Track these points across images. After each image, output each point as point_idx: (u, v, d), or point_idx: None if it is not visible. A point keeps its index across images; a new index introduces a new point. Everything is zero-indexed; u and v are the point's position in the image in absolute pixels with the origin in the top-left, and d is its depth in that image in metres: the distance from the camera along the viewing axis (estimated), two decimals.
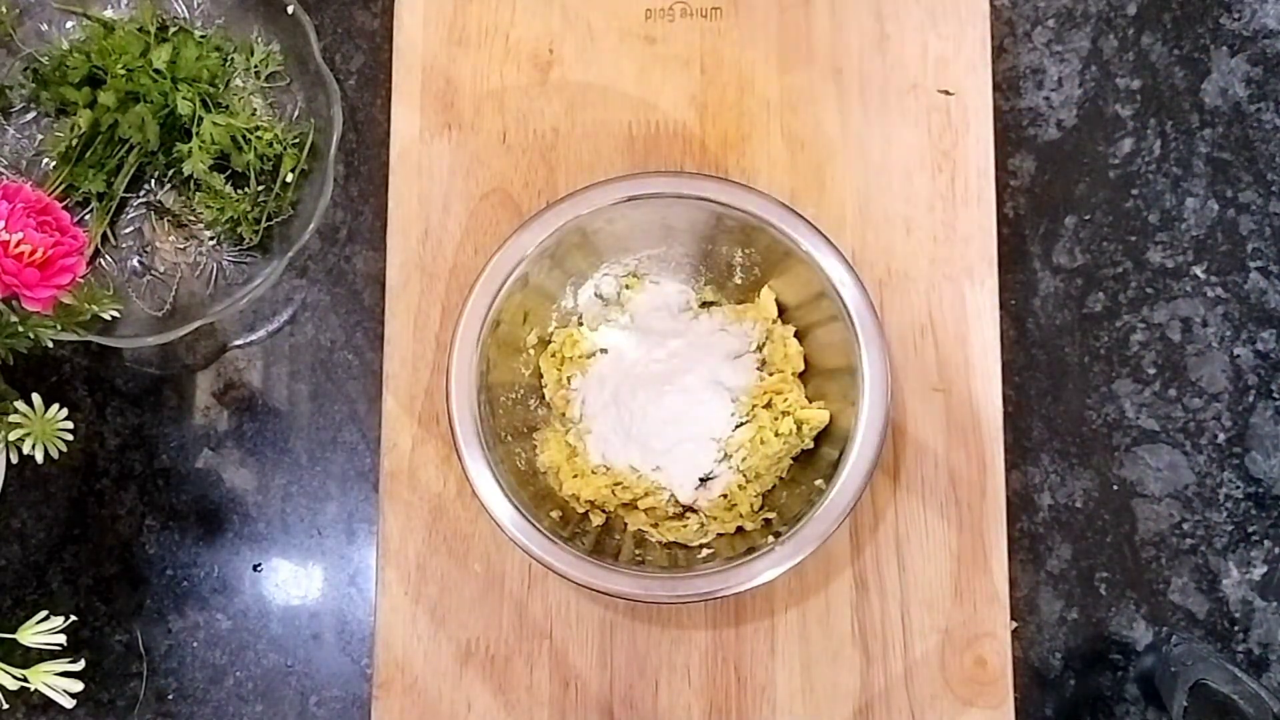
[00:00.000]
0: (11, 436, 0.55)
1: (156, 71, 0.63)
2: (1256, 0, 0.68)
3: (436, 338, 0.63)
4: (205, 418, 0.67)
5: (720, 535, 0.60)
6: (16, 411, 0.55)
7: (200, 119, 0.63)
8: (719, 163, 0.65)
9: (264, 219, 0.64)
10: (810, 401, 0.61)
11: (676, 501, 0.61)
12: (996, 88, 0.66)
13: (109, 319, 0.59)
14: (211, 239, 0.66)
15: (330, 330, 0.67)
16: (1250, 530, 0.64)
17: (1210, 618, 0.64)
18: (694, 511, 0.62)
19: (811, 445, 0.61)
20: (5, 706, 0.52)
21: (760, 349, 0.62)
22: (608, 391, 0.61)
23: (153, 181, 0.67)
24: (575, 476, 0.61)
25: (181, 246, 0.67)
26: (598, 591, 0.56)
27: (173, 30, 0.65)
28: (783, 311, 0.62)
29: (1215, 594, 0.64)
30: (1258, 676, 0.63)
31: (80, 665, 0.53)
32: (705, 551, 0.59)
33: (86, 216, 0.66)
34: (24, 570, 0.66)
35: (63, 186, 0.64)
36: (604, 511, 0.61)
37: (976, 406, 0.63)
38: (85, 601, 0.65)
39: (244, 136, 0.63)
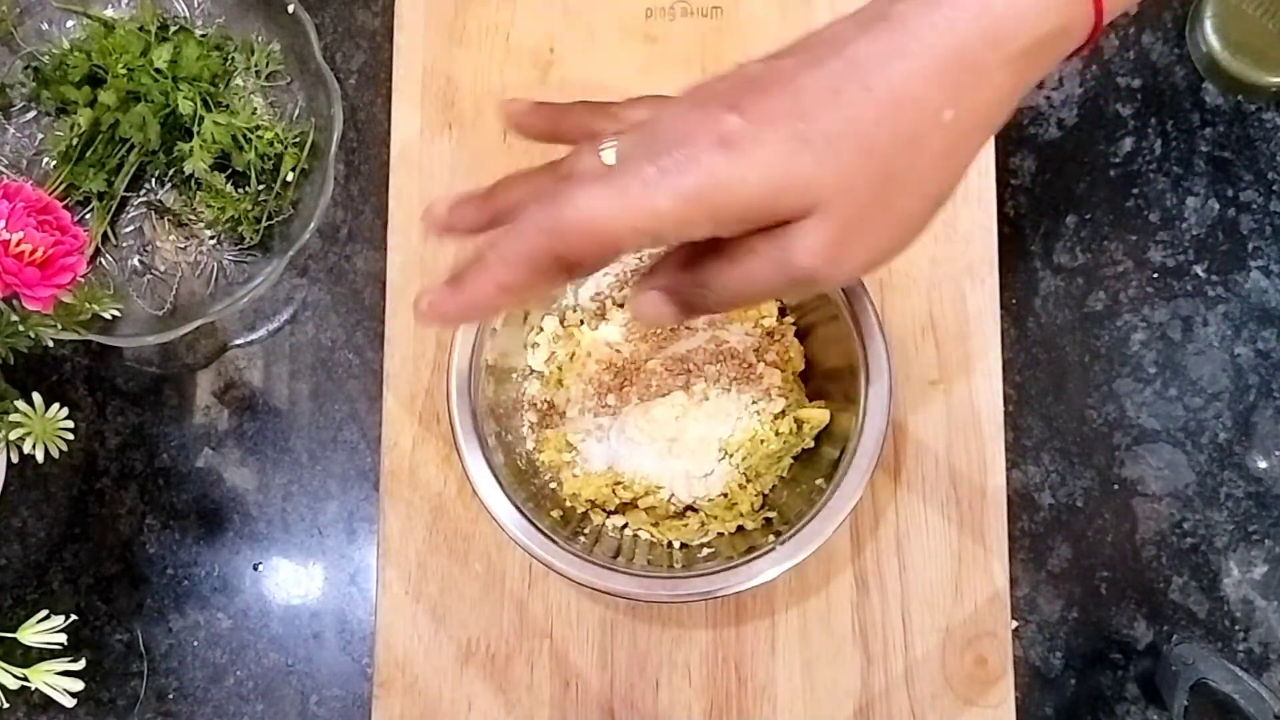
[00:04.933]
0: (12, 436, 0.55)
1: (157, 71, 0.63)
2: None
3: (437, 337, 0.63)
4: (206, 417, 0.67)
5: (721, 534, 0.60)
6: (17, 411, 0.55)
7: (201, 118, 0.63)
8: None
9: (264, 218, 0.64)
10: (811, 401, 0.61)
11: (677, 501, 0.61)
12: None
13: (109, 318, 0.59)
14: (212, 238, 0.66)
15: (331, 329, 0.67)
16: (1251, 529, 0.64)
17: (1211, 617, 0.64)
18: (694, 511, 0.62)
19: (812, 444, 0.61)
20: (5, 706, 0.52)
21: (760, 348, 0.62)
22: (607, 390, 0.61)
23: (153, 181, 0.67)
24: (575, 476, 0.61)
25: (182, 246, 0.67)
26: (598, 591, 0.56)
27: (173, 29, 0.65)
28: (783, 311, 0.62)
29: (1216, 593, 0.64)
30: (1259, 676, 0.63)
31: (81, 664, 0.53)
32: (706, 551, 0.59)
33: (87, 216, 0.66)
34: (24, 569, 0.66)
35: (63, 186, 0.64)
36: (604, 511, 0.61)
37: (977, 405, 0.63)
38: (85, 601, 0.65)
39: (245, 136, 0.63)
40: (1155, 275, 0.66)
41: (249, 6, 0.66)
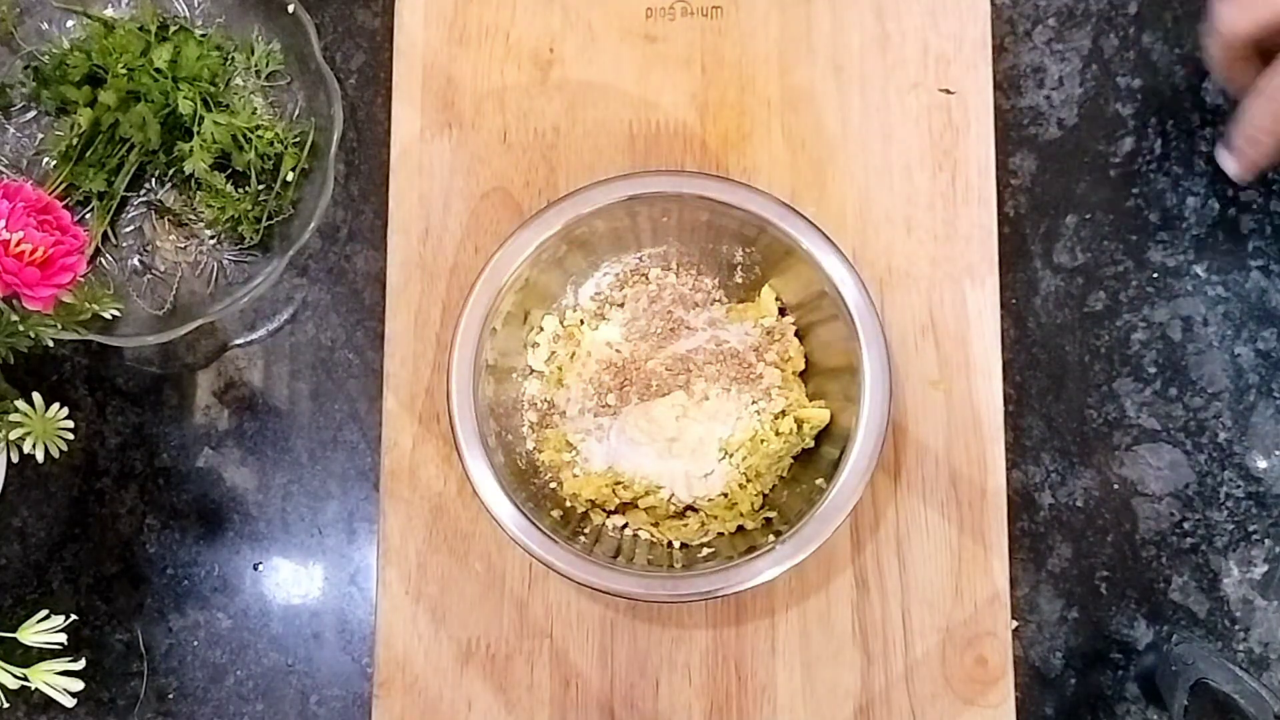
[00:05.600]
0: (12, 435, 0.55)
1: (157, 70, 0.63)
2: None
3: (437, 336, 0.63)
4: (206, 417, 0.67)
5: (721, 534, 0.60)
6: (17, 410, 0.55)
7: (201, 118, 0.63)
8: (720, 162, 0.65)
9: (264, 218, 0.64)
10: (811, 400, 0.61)
11: (677, 501, 0.61)
12: (997, 86, 0.66)
13: (109, 318, 0.59)
14: (212, 238, 0.66)
15: (331, 329, 0.67)
16: (1251, 529, 0.64)
17: (1211, 617, 0.64)
18: (695, 511, 0.62)
19: (812, 444, 0.61)
20: (6, 705, 0.52)
21: (760, 348, 0.62)
22: (607, 390, 0.61)
23: (153, 180, 0.67)
24: (575, 476, 0.61)
25: (182, 245, 0.67)
26: (598, 590, 0.56)
27: (173, 29, 0.65)
28: (783, 310, 0.62)
29: (1216, 593, 0.64)
30: (1258, 675, 0.63)
31: (81, 664, 0.53)
32: (706, 551, 0.59)
33: (87, 215, 0.66)
34: (24, 569, 0.66)
35: (63, 185, 0.64)
36: (605, 511, 0.61)
37: (977, 405, 0.63)
38: (86, 600, 0.65)
39: (245, 135, 0.63)
40: (1155, 275, 0.66)
41: (249, 6, 0.66)
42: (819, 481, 0.58)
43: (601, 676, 0.62)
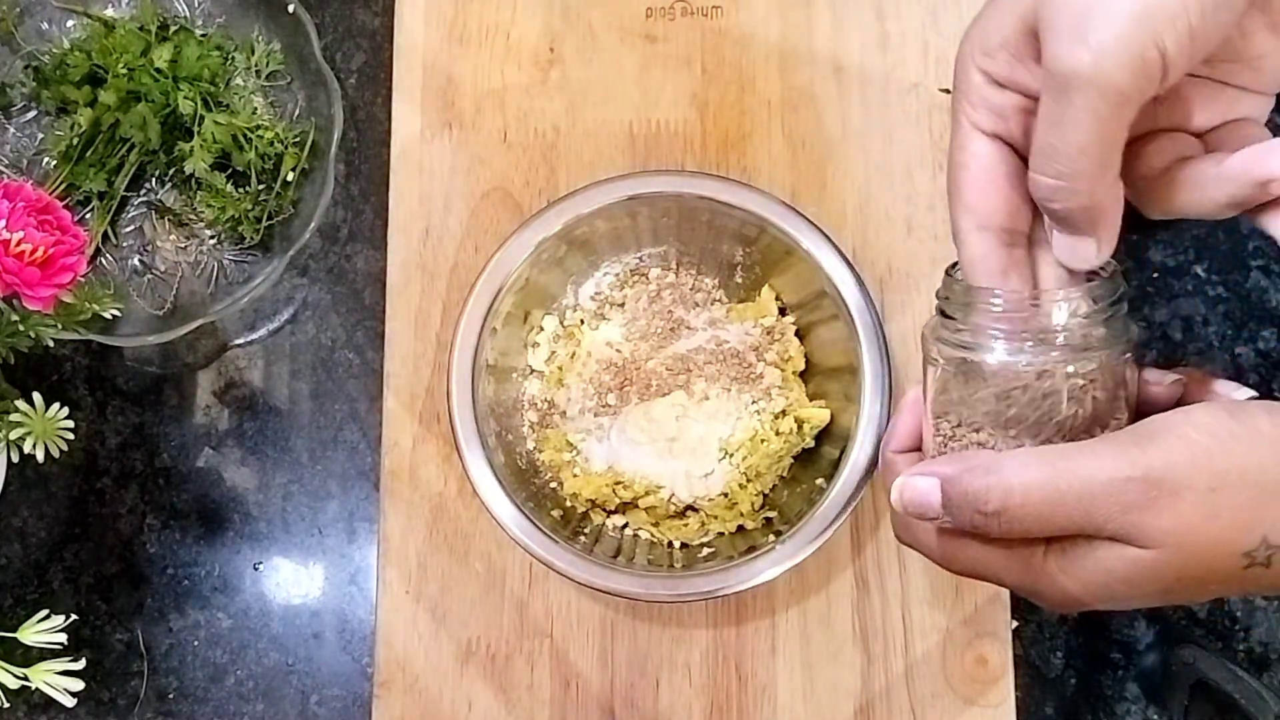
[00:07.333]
0: (12, 435, 0.55)
1: (158, 70, 0.63)
2: None
3: (437, 336, 0.63)
4: (206, 416, 0.67)
5: (721, 534, 0.60)
6: (17, 410, 0.55)
7: (201, 118, 0.63)
8: (720, 161, 0.65)
9: (265, 218, 0.64)
10: (811, 400, 0.61)
11: (677, 500, 0.61)
12: None
13: (110, 318, 0.59)
14: (212, 238, 0.66)
15: (331, 329, 0.67)
16: None
17: (1211, 617, 0.64)
18: (695, 511, 0.62)
19: (812, 444, 0.61)
20: (6, 705, 0.52)
21: (760, 348, 0.62)
22: (607, 390, 0.61)
23: (154, 180, 0.67)
24: (575, 476, 0.61)
25: (182, 245, 0.67)
26: (598, 590, 0.56)
27: (174, 29, 0.65)
28: (783, 310, 0.62)
29: None
30: (1259, 675, 0.63)
31: (81, 664, 0.53)
32: (706, 551, 0.59)
33: (87, 215, 0.66)
34: (25, 569, 0.66)
35: (64, 185, 0.64)
36: (605, 510, 0.61)
37: None
38: (86, 600, 0.65)
39: (245, 135, 0.63)
40: (1155, 275, 0.66)
41: (249, 6, 0.66)
42: (819, 481, 0.58)
43: (601, 676, 0.62)
